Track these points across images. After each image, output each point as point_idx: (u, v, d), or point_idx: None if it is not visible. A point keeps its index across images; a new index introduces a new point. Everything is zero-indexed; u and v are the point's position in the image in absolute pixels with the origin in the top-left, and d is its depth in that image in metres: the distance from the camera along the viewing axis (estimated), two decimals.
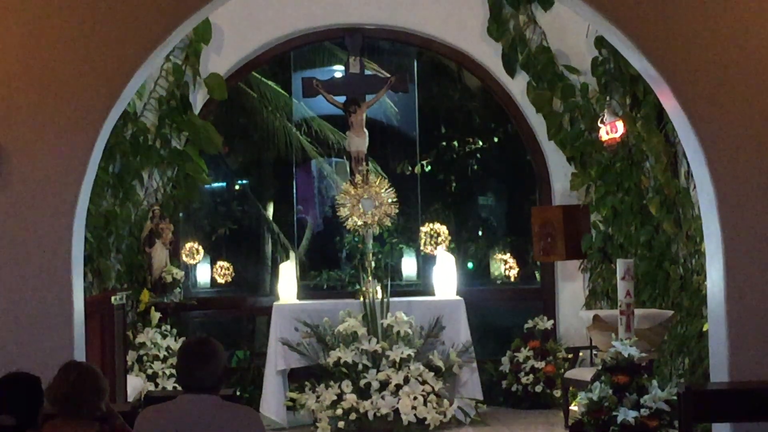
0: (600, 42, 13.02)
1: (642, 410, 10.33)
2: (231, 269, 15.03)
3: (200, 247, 14.59)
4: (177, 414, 6.10)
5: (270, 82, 16.08)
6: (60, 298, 9.07)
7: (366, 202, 13.50)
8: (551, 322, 14.31)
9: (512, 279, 15.28)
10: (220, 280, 14.99)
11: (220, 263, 15.07)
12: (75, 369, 6.54)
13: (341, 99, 14.22)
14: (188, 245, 14.45)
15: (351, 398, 12.53)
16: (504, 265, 15.42)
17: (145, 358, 13.22)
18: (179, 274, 13.78)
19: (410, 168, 16.55)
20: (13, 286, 9.06)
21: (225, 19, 13.29)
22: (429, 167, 17.51)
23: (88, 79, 9.17)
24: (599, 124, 13.35)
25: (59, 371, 6.43)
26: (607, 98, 13.43)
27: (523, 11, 14.02)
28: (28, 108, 9.13)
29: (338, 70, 15.20)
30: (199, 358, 6.16)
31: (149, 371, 13.13)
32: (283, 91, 16.76)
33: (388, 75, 14.89)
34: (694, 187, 10.67)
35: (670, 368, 12.12)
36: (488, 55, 14.30)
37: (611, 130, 13.16)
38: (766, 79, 9.39)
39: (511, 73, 14.23)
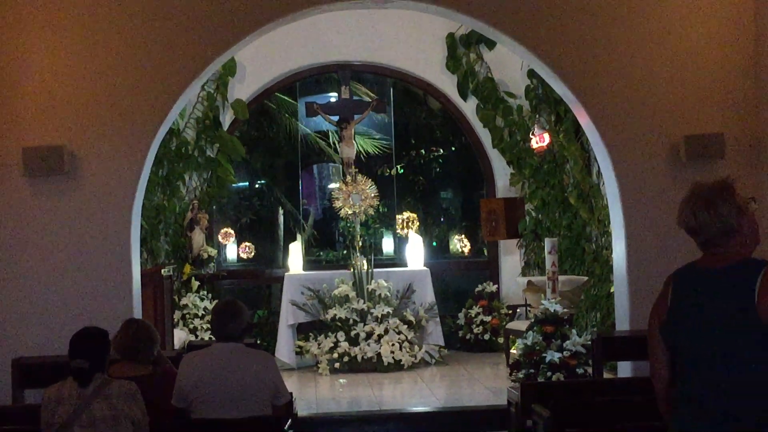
0: (531, 73, 13.00)
1: (564, 352, 10.34)
2: (252, 248, 14.93)
3: (230, 232, 14.55)
4: (211, 357, 6.12)
5: (286, 97, 16.03)
6: (122, 271, 9.05)
7: (355, 197, 13.49)
8: (495, 286, 14.31)
9: (466, 254, 15.22)
10: (244, 257, 14.91)
11: (244, 244, 14.98)
12: (134, 324, 6.53)
13: (335, 118, 14.21)
14: (223, 230, 14.42)
15: (344, 345, 12.53)
16: (460, 243, 15.34)
17: (187, 316, 13.21)
18: (213, 252, 13.80)
19: (388, 171, 16.50)
20: (87, 263, 9.03)
21: (246, 57, 13.26)
22: (402, 170, 17.45)
23: (142, 103, 9.13)
24: (531, 136, 13.37)
25: (122, 326, 6.42)
26: (537, 116, 13.42)
27: (473, 50, 13.99)
28: (96, 124, 9.08)
29: (333, 96, 15.15)
30: (228, 315, 6.18)
31: (191, 326, 13.12)
32: (290, 115, 16.72)
33: (371, 100, 14.90)
34: (603, 183, 10.67)
35: (585, 320, 12.13)
36: (447, 83, 14.27)
37: (540, 140, 13.18)
38: (657, 101, 9.39)
39: (464, 97, 14.21)
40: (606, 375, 9.67)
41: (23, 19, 9.08)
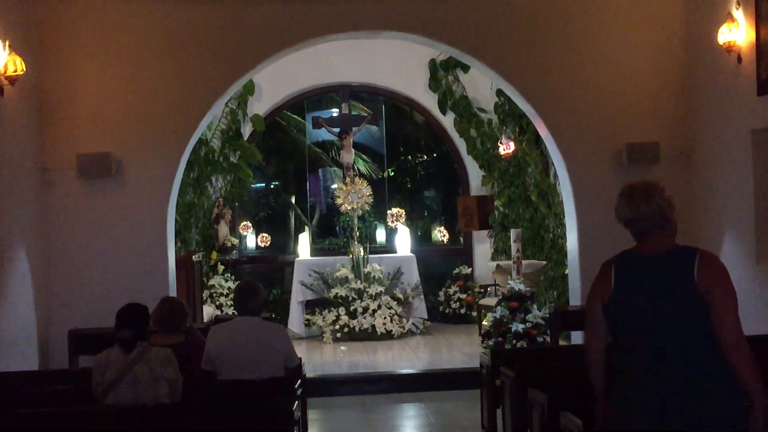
0: (499, 92, 12.99)
1: (527, 324, 10.33)
2: (268, 238, 14.89)
3: (249, 224, 14.55)
4: (234, 328, 6.11)
5: (297, 117, 15.98)
6: (160, 256, 9.06)
7: (353, 195, 13.46)
8: (470, 269, 14.31)
9: (445, 242, 15.20)
10: (262, 245, 14.87)
11: (261, 234, 14.95)
12: (169, 301, 6.52)
13: (337, 130, 14.21)
14: (243, 223, 14.41)
15: (344, 318, 12.52)
16: (440, 234, 15.34)
17: (214, 294, 13.19)
18: (235, 241, 13.78)
19: (381, 174, 16.46)
20: (130, 250, 9.04)
21: (263, 79, 13.21)
22: (393, 173, 17.41)
23: (176, 117, 9.16)
24: (499, 144, 13.36)
25: (159, 302, 6.40)
26: (504, 128, 13.41)
27: (450, 73, 13.97)
28: (137, 135, 9.10)
29: (334, 111, 15.11)
30: (248, 293, 6.15)
31: (217, 303, 13.11)
32: (299, 119, 16.69)
33: (366, 114, 14.88)
34: (559, 183, 10.67)
35: (544, 297, 12.14)
36: (429, 101, 14.25)
37: (506, 147, 13.16)
38: (603, 115, 9.40)
39: (443, 112, 14.19)
40: (561, 342, 9.67)
41: (78, 45, 9.09)
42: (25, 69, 7.83)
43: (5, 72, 7.67)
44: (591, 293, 4.15)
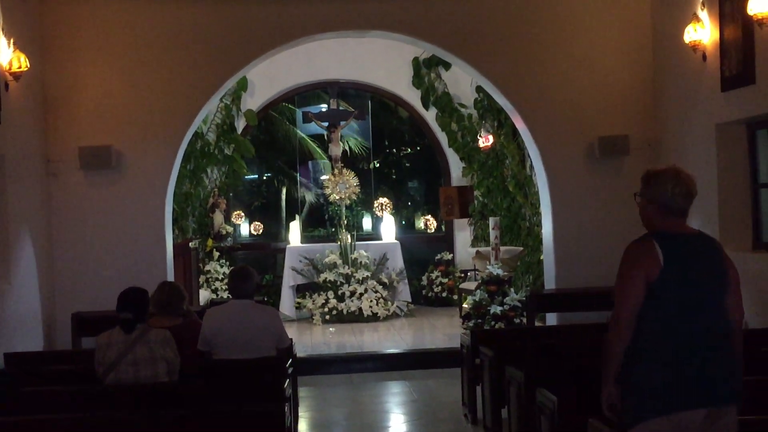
0: (479, 89, 12.99)
1: (505, 306, 10.37)
2: (261, 226, 14.88)
3: (243, 213, 14.52)
4: (229, 311, 6.10)
5: (290, 105, 15.94)
6: (158, 243, 9.04)
7: (341, 186, 13.44)
8: (451, 255, 14.32)
9: (428, 230, 15.23)
10: (255, 233, 14.86)
11: (254, 222, 14.94)
12: (168, 285, 6.49)
13: (326, 124, 14.16)
14: (237, 212, 14.38)
15: (333, 302, 12.53)
16: (423, 222, 15.36)
17: (210, 279, 13.17)
18: (230, 229, 13.74)
19: (367, 165, 16.46)
20: (130, 239, 9.01)
21: (255, 76, 13.15)
22: (378, 165, 17.42)
23: (174, 111, 9.13)
24: (478, 137, 13.36)
25: (158, 286, 6.37)
26: (483, 122, 13.41)
27: (433, 71, 13.93)
28: (137, 128, 9.07)
29: (323, 107, 15.07)
30: (241, 278, 6.15)
31: (212, 287, 13.08)
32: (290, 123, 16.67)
33: (353, 110, 14.84)
34: (535, 174, 10.68)
35: (521, 282, 12.17)
36: (413, 97, 14.22)
37: (485, 140, 13.16)
38: (576, 110, 9.42)
39: (426, 107, 14.15)
40: (537, 323, 9.71)
41: (79, 42, 9.04)
42: (29, 65, 7.78)
43: (10, 68, 7.62)
44: (633, 271, 3.71)
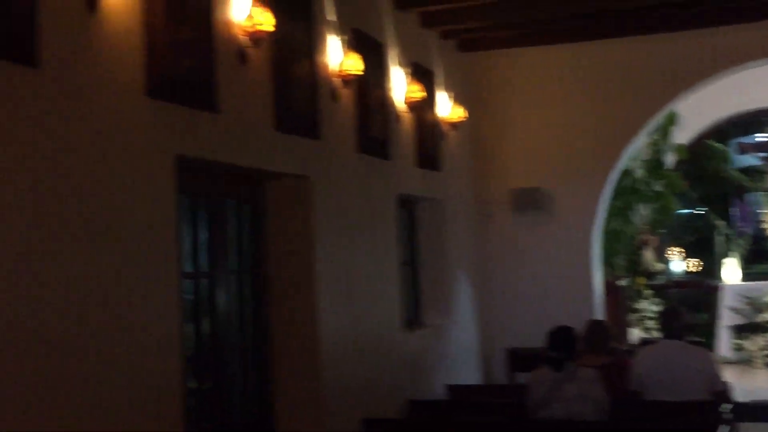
0: None
1: None
2: (699, 263, 14.34)
3: (675, 250, 14.13)
4: (659, 351, 6.07)
5: (719, 145, 15.21)
6: (585, 281, 9.28)
7: None
8: None
9: None
10: (691, 269, 14.34)
11: (689, 259, 14.40)
12: (596, 323, 6.60)
13: (761, 154, 13.35)
14: (668, 249, 14.05)
15: None
16: None
17: (642, 318, 12.97)
18: (661, 266, 13.44)
19: None
20: (559, 276, 9.26)
21: (684, 108, 12.74)
22: None
23: (598, 150, 9.33)
24: None
25: (587, 324, 6.47)
26: None
27: None
28: (563, 169, 9.37)
29: (760, 137, 14.16)
30: (671, 317, 6.12)
31: (644, 326, 12.86)
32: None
33: None
34: None
35: None
36: None
37: None
38: None
39: None
40: None
41: (508, 92, 9.59)
42: (466, 115, 8.55)
43: (450, 119, 8.44)
44: None
